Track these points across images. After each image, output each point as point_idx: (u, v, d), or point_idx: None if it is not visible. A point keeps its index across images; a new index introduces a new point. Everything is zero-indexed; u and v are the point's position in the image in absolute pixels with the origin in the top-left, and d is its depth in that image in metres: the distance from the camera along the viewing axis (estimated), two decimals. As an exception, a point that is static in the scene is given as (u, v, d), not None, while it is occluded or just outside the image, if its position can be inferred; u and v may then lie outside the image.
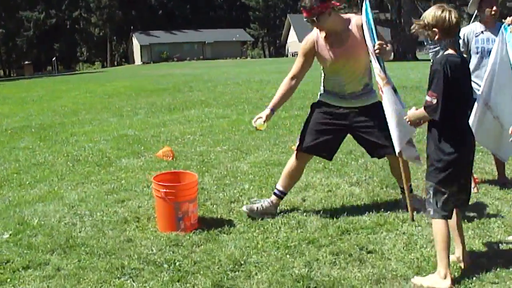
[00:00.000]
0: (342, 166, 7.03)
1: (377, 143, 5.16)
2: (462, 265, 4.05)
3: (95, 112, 14.68)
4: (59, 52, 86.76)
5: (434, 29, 3.77)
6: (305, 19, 5.01)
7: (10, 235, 4.98)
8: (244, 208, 5.30)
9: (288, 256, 4.37)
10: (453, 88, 3.67)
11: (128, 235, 4.91)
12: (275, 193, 5.44)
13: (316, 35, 5.15)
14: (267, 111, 5.18)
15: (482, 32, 5.95)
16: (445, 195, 3.81)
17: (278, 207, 5.48)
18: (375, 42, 4.80)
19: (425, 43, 4.04)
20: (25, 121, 13.36)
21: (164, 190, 4.86)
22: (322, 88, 5.40)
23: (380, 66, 4.82)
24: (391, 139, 4.83)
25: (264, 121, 5.13)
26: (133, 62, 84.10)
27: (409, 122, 4.00)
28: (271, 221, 5.13)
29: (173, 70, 40.02)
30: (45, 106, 17.22)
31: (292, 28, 79.57)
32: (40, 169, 7.75)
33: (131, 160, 8.03)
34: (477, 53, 5.96)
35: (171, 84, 22.79)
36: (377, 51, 4.79)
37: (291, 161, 5.39)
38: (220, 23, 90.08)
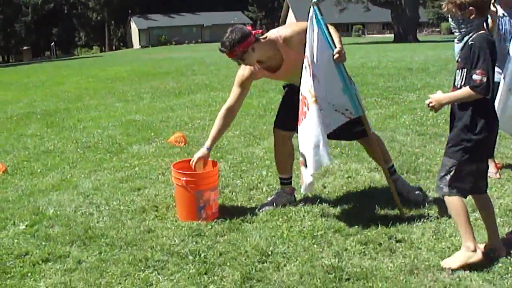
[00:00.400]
0: (359, 151, 6.86)
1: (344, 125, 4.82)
2: (496, 254, 3.93)
3: (99, 97, 14.53)
4: (57, 37, 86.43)
5: (470, 7, 3.62)
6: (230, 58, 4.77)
7: (26, 226, 4.83)
8: (261, 211, 5.07)
9: (315, 246, 4.23)
10: (492, 68, 3.58)
11: (148, 225, 4.76)
12: (281, 183, 5.30)
13: None
14: (204, 152, 4.94)
15: (503, 14, 5.79)
16: (464, 174, 3.75)
17: (299, 194, 5.36)
18: (333, 50, 4.46)
19: (454, 24, 3.85)
20: (29, 107, 13.21)
21: (185, 178, 4.71)
22: None
23: (341, 73, 4.54)
24: (361, 124, 4.74)
25: (205, 165, 4.98)
26: (132, 46, 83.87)
27: (433, 107, 3.83)
28: (294, 209, 4.99)
29: (173, 53, 39.85)
30: (48, 91, 17.06)
31: (290, 9, 79.22)
32: (50, 156, 7.61)
33: (143, 147, 7.89)
34: (500, 35, 5.79)
35: (173, 68, 22.63)
36: (338, 60, 4.47)
37: (275, 145, 5.24)
38: (218, 5, 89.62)
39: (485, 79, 3.52)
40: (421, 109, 9.85)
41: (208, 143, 4.97)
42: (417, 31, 56.65)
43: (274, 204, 5.10)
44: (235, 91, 4.99)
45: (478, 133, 3.66)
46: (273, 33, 4.82)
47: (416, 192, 5.17)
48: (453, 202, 3.80)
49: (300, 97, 4.53)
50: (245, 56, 4.65)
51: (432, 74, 15.80)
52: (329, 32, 4.49)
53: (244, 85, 4.97)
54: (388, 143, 7.18)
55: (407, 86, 13.02)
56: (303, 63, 4.49)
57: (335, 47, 4.47)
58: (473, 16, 3.64)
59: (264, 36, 4.76)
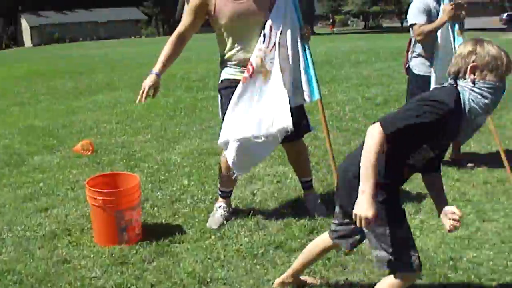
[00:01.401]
0: (283, 152, 6.42)
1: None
2: None
3: (-10, 101, 13.33)
4: None
5: None
6: None
7: None
8: (213, 227, 4.44)
9: (258, 267, 3.76)
10: None
11: (62, 254, 4.06)
12: (222, 196, 4.72)
13: None
14: (154, 77, 4.19)
15: None
16: None
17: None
18: (301, 25, 4.28)
19: None
20: None
21: (103, 197, 4.08)
22: (222, 60, 4.49)
23: (304, 52, 4.32)
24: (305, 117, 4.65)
25: (153, 95, 4.25)
26: (23, 44, 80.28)
27: None
28: (226, 224, 4.48)
29: (68, 51, 38.12)
30: None
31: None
32: None
33: (45, 157, 7.02)
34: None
35: (71, 67, 21.41)
36: (305, 37, 4.33)
37: (222, 158, 4.57)
38: (112, 1, 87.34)
39: None
40: (336, 103, 9.57)
41: (157, 67, 4.25)
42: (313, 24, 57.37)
43: (224, 217, 4.57)
44: (185, 19, 4.35)
45: None
46: None
47: (322, 207, 4.71)
48: None
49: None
50: None
51: (337, 67, 15.76)
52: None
53: (196, 12, 4.29)
54: (311, 141, 6.82)
55: (316, 79, 12.75)
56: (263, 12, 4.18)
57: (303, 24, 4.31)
58: None
59: None
